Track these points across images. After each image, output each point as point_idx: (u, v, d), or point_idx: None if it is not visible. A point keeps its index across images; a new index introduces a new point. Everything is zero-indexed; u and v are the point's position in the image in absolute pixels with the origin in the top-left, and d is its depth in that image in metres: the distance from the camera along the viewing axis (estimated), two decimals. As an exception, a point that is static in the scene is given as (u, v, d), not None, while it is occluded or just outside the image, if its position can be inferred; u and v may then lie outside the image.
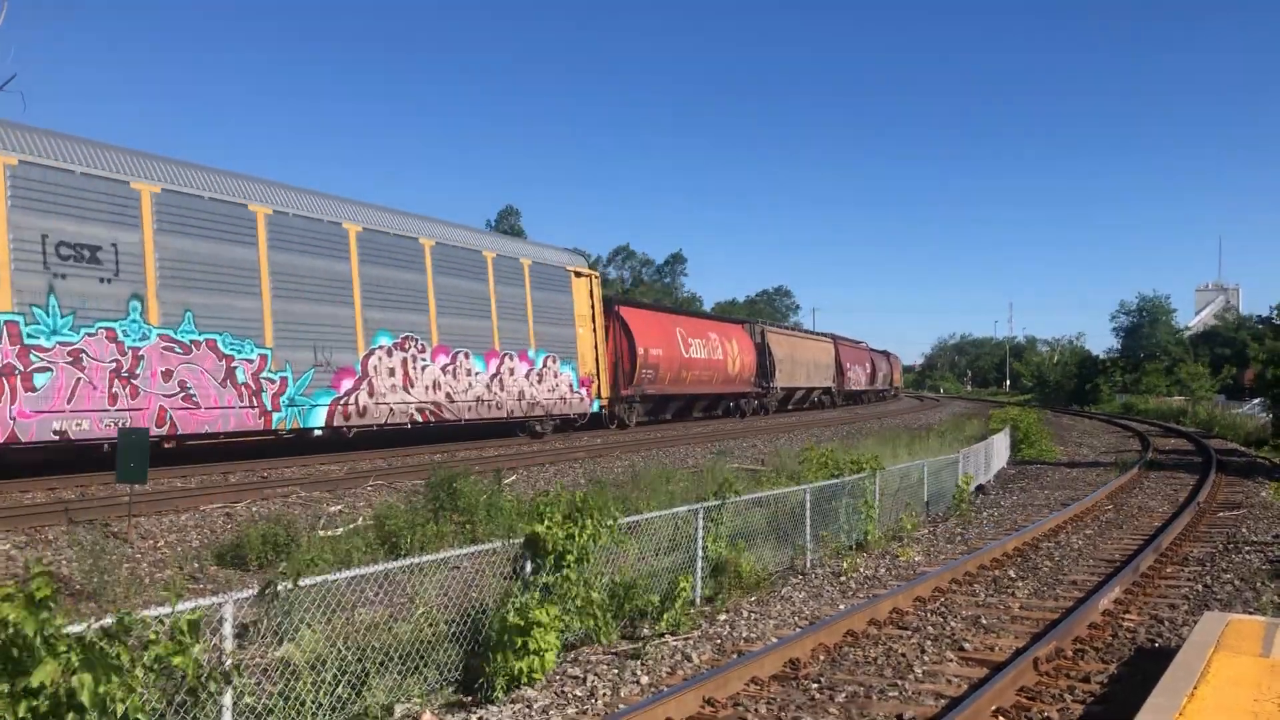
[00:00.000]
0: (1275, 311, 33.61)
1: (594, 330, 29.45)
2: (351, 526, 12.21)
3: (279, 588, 5.68)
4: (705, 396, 39.49)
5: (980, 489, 20.11)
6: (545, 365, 26.79)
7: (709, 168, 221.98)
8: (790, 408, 51.58)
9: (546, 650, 6.88)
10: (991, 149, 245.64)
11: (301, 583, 5.98)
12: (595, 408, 29.26)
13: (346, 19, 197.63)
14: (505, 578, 7.37)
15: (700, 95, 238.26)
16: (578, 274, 29.24)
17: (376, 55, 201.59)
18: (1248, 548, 12.55)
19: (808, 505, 11.62)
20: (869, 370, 69.47)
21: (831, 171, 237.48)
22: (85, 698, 4.32)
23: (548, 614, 6.89)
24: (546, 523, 7.50)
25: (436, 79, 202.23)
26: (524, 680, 6.78)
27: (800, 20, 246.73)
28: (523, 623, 6.70)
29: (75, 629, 4.49)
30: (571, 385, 27.92)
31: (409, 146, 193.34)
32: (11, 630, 4.25)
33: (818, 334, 62.76)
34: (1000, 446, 25.17)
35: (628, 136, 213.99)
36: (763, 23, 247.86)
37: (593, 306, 29.55)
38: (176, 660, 4.88)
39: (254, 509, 13.71)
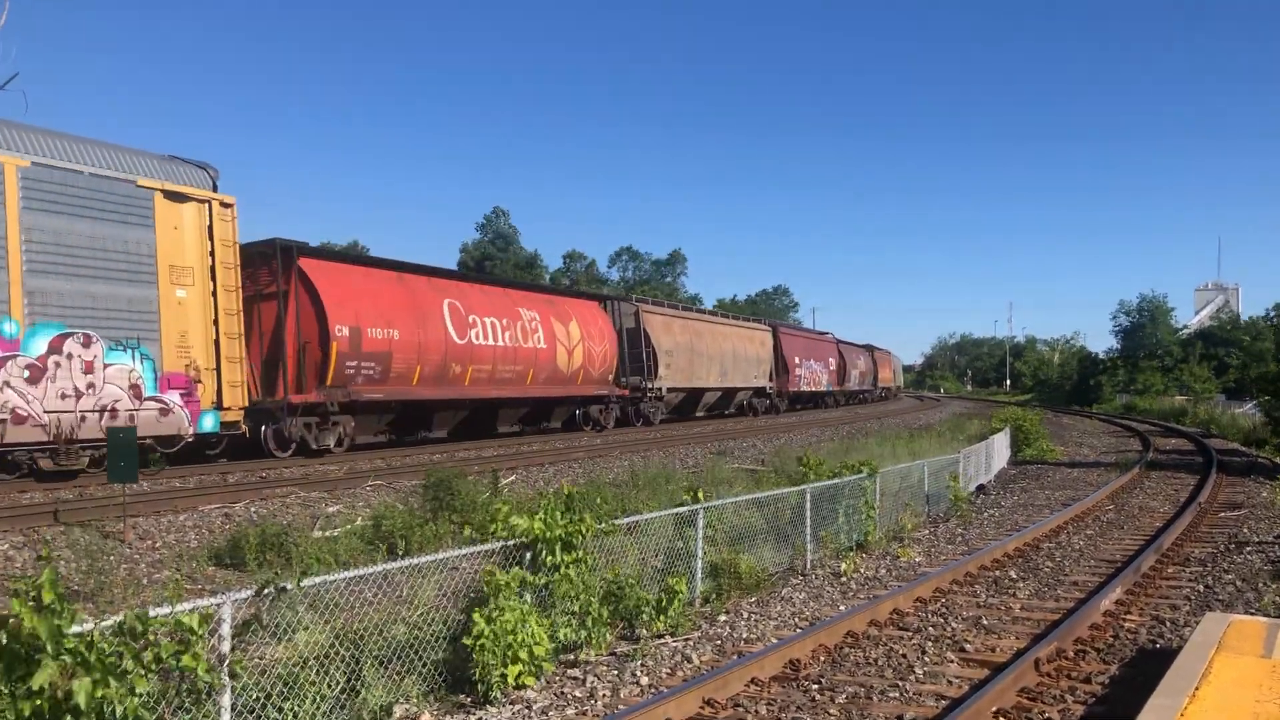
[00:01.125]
0: (1273, 311, 33.73)
1: (213, 293, 17.74)
2: (350, 527, 12.18)
3: (273, 589, 5.64)
4: (517, 401, 27.47)
5: (981, 489, 20.10)
6: (60, 351, 15.30)
7: (708, 169, 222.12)
8: (700, 414, 40.08)
9: (541, 658, 6.86)
10: (991, 148, 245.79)
11: (298, 585, 5.95)
12: (210, 425, 17.53)
13: (343, 22, 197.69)
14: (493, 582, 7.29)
15: (699, 96, 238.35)
16: (173, 195, 17.19)
17: (375, 56, 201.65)
18: (1249, 548, 12.53)
19: (807, 506, 11.59)
20: (834, 368, 58.15)
21: (832, 172, 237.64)
22: (81, 701, 4.30)
23: (535, 621, 6.86)
24: (543, 517, 7.47)
25: (435, 80, 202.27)
26: (515, 684, 6.75)
27: (799, 20, 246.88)
28: (499, 631, 6.65)
29: (77, 629, 4.46)
30: (140, 388, 16.31)
31: (407, 149, 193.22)
32: (27, 633, 4.24)
33: (743, 320, 48.22)
34: (1000, 446, 25.15)
35: (627, 138, 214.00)
36: (762, 22, 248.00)
37: (213, 254, 17.73)
38: (179, 660, 4.87)
39: (252, 509, 13.69)
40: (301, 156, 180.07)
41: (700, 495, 10.07)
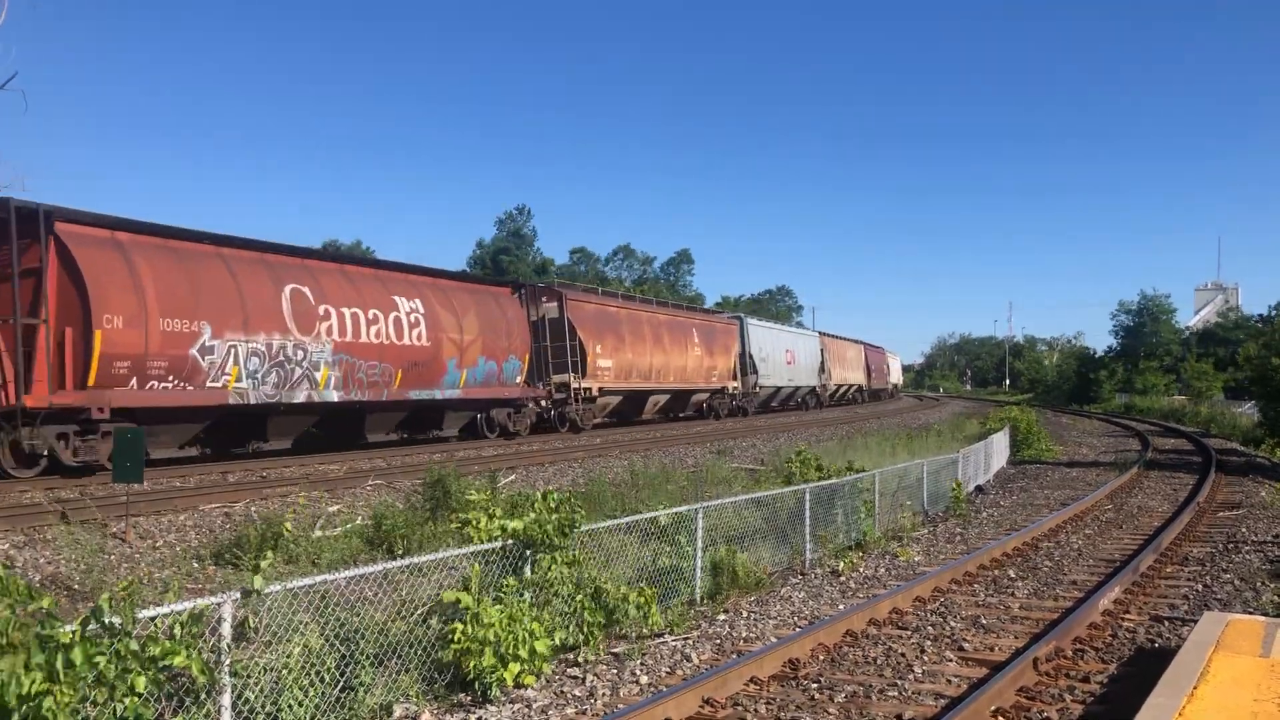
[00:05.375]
0: (1275, 310, 33.73)
1: None
2: (350, 526, 12.20)
3: (267, 590, 5.65)
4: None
5: (979, 489, 20.12)
6: None
7: (711, 169, 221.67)
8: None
9: (540, 657, 6.88)
10: (992, 148, 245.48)
11: (293, 584, 5.97)
12: None
13: (345, 24, 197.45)
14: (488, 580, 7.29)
15: (701, 97, 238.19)
16: None
17: (377, 55, 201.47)
18: (1247, 547, 12.55)
19: (806, 505, 11.61)
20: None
21: (832, 172, 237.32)
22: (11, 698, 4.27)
23: (531, 621, 6.87)
24: (535, 515, 7.48)
25: (437, 80, 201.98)
26: (514, 683, 6.76)
27: (799, 21, 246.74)
28: (496, 635, 6.64)
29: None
30: None
31: (409, 149, 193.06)
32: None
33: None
34: (999, 446, 25.17)
35: (630, 138, 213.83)
36: (762, 24, 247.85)
37: None
38: (176, 660, 4.87)
39: (253, 509, 13.70)
40: (303, 156, 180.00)
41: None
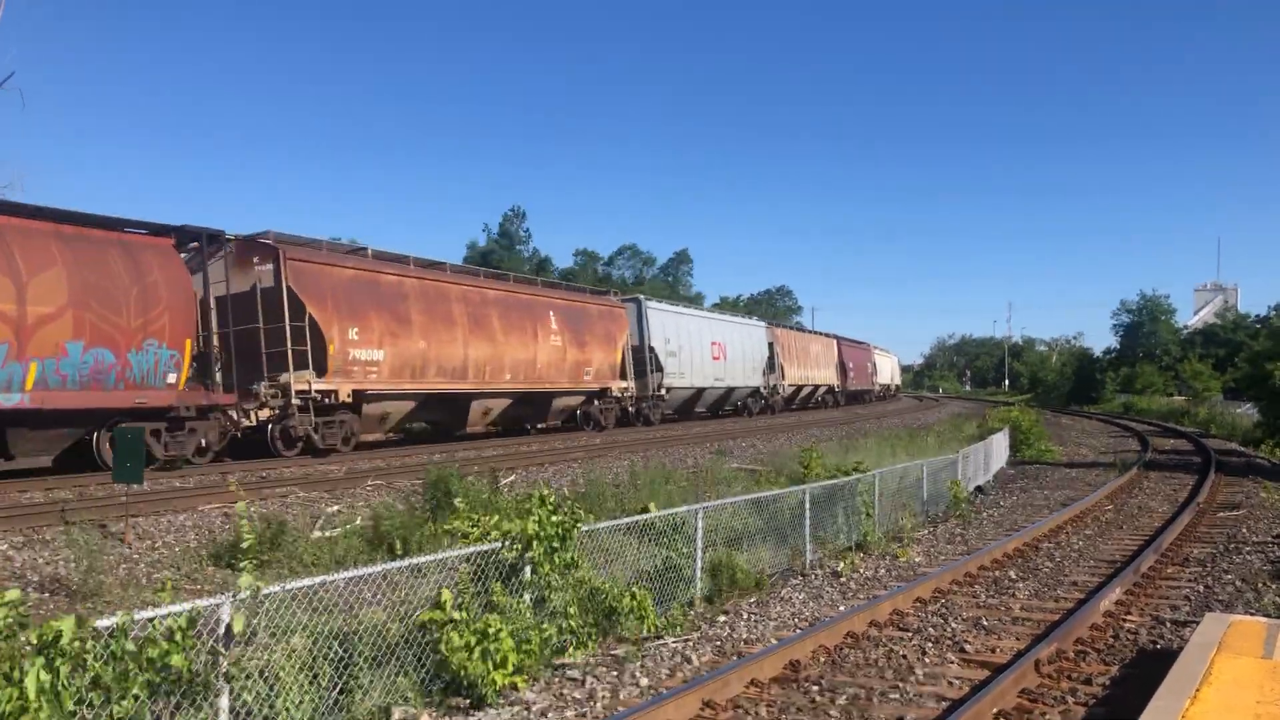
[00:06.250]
0: (1273, 310, 33.83)
1: None
2: (349, 527, 12.17)
3: (266, 591, 5.63)
4: None
5: (980, 489, 20.09)
6: None
7: (711, 169, 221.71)
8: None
9: (533, 659, 6.85)
10: (992, 148, 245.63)
11: (290, 585, 5.94)
12: None
13: (345, 24, 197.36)
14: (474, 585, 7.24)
15: (701, 97, 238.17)
16: None
17: (378, 55, 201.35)
18: (1248, 548, 12.53)
19: (807, 506, 11.58)
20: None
21: (833, 172, 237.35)
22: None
23: (529, 623, 6.84)
24: (536, 518, 7.48)
25: (439, 78, 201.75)
26: (507, 684, 6.73)
27: (799, 21, 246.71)
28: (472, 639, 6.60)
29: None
30: None
31: (410, 148, 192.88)
32: None
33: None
34: (999, 446, 25.14)
35: (630, 138, 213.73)
36: (762, 24, 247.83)
37: None
38: (173, 661, 4.86)
39: (252, 509, 13.66)
40: (303, 155, 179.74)
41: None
